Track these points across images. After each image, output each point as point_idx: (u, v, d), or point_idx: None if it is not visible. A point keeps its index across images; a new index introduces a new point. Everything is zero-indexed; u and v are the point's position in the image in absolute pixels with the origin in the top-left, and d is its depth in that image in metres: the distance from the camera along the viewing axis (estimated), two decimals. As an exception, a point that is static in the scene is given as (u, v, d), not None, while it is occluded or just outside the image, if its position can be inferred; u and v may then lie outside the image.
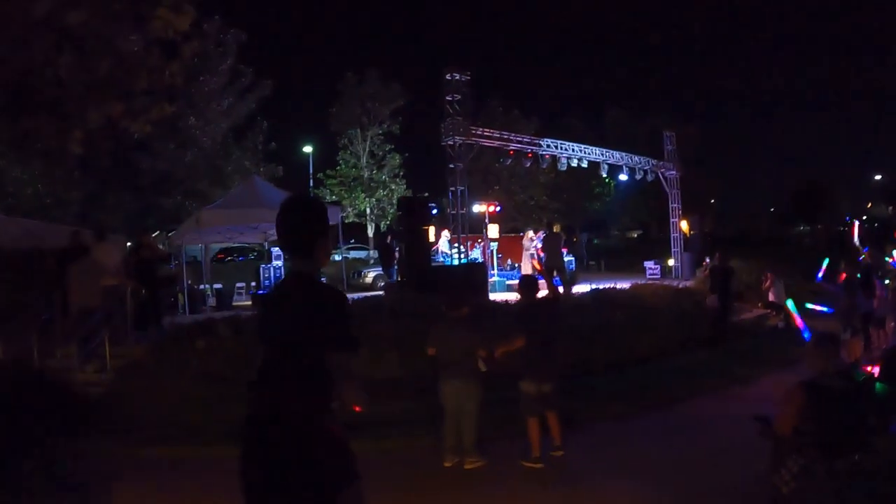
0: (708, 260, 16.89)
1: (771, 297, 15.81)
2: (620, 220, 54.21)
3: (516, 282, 8.08)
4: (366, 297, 13.54)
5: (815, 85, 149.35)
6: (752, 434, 4.85)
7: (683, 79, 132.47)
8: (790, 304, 6.80)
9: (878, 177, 74.26)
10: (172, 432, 7.96)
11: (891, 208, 69.22)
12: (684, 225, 25.24)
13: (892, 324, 11.47)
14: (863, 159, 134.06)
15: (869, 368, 5.52)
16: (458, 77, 16.70)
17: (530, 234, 20.30)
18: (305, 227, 2.92)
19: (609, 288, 16.52)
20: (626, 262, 32.41)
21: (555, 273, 16.26)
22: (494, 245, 21.37)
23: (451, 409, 6.61)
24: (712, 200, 61.32)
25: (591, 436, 7.91)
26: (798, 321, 5.86)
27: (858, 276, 11.58)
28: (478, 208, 22.45)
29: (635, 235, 61.65)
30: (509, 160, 19.57)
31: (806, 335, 5.80)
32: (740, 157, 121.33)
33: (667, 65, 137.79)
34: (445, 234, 19.20)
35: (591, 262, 33.73)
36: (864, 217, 64.36)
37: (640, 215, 51.32)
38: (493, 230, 21.69)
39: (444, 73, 16.91)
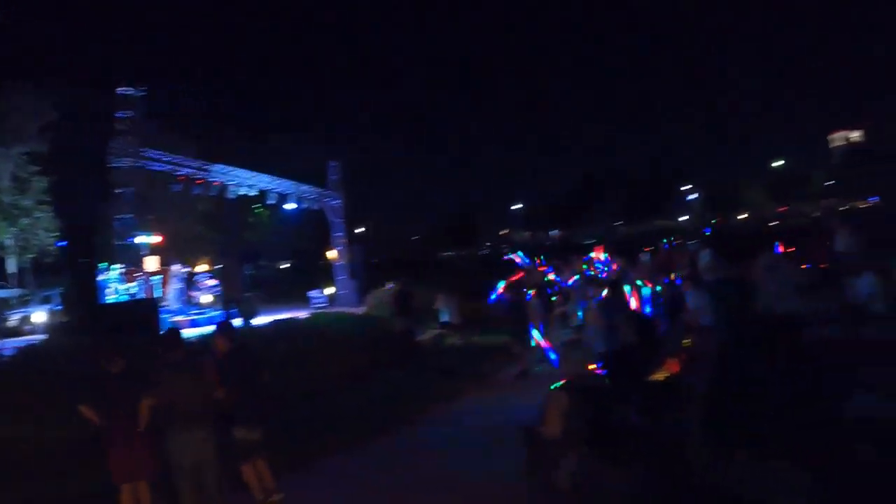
0: (391, 285, 17.47)
1: (443, 318, 16.83)
2: (272, 251, 53.95)
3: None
4: (21, 347, 11.20)
5: (465, 124, 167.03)
6: (481, 444, 5.06)
7: (339, 113, 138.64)
8: (535, 333, 7.39)
9: (516, 206, 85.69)
10: None
11: (528, 233, 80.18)
12: (333, 254, 26.03)
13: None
14: (505, 191, 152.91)
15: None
16: (130, 92, 15.04)
17: (178, 267, 19.09)
18: None
19: (290, 318, 16.21)
20: (283, 292, 32.21)
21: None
22: (158, 279, 19.62)
23: (189, 465, 5.82)
24: (363, 228, 64.54)
25: (320, 471, 7.53)
26: (543, 344, 6.43)
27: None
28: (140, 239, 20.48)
29: (287, 265, 61.83)
30: (179, 186, 18.15)
31: (552, 355, 6.33)
32: (393, 187, 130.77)
33: (329, 98, 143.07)
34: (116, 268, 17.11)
35: (248, 294, 32.87)
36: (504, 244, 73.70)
37: (295, 245, 51.69)
38: (152, 262, 19.90)
39: (114, 87, 15.13)
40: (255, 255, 51.79)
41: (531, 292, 12.84)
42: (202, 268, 20.57)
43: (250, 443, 6.26)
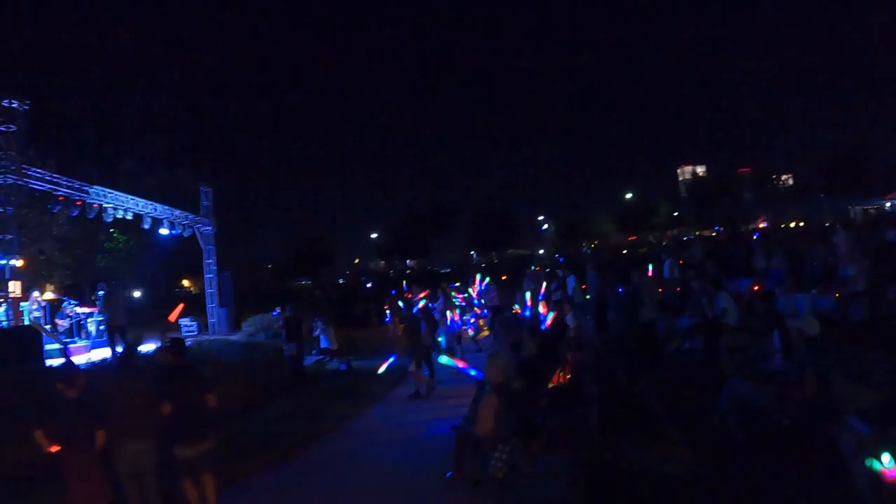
0: (279, 310, 17.61)
1: (323, 343, 17.24)
2: (128, 278, 51.24)
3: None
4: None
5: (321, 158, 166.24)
6: (391, 455, 5.54)
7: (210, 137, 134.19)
8: (444, 359, 8.18)
9: (374, 235, 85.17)
10: None
11: (383, 263, 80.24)
12: (187, 282, 25.65)
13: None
14: (361, 220, 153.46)
15: None
16: (15, 105, 14.35)
17: (35, 293, 18.34)
18: None
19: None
20: (147, 320, 31.00)
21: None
22: (26, 304, 18.58)
23: (129, 475, 6.10)
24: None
25: (247, 491, 7.70)
26: (460, 364, 7.31)
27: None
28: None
29: (138, 294, 58.86)
30: (58, 207, 17.36)
31: (472, 373, 7.18)
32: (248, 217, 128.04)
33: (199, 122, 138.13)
34: None
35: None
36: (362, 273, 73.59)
37: (148, 272, 49.44)
38: (15, 287, 18.85)
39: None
40: (108, 281, 48.84)
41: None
42: (49, 295, 19.72)
43: (188, 459, 6.41)
